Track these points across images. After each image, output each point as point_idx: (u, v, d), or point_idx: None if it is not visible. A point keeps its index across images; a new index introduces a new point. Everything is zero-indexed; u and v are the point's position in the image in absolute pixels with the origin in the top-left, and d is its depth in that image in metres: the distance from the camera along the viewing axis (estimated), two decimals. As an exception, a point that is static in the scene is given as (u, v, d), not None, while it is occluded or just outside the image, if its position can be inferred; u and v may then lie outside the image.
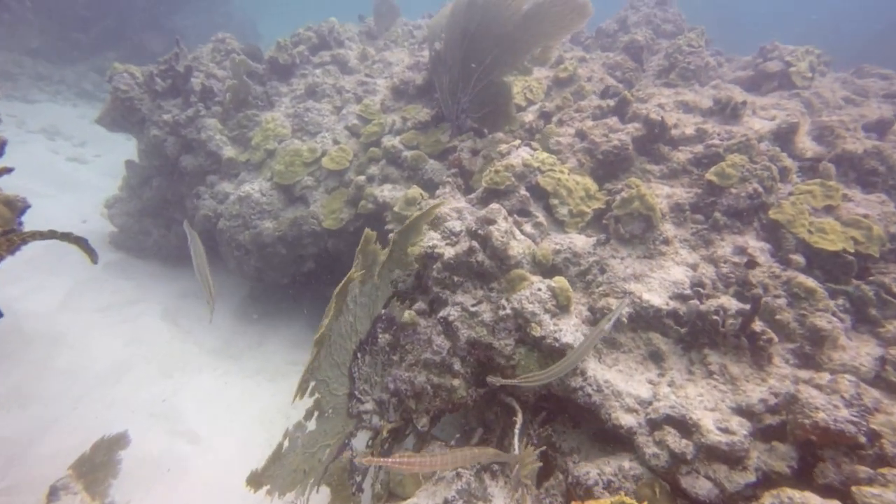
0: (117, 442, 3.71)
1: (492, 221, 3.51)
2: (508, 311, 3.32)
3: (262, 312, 6.41)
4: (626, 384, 3.12)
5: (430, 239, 3.81)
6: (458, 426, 3.81)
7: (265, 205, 5.72)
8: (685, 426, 2.85)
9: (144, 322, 5.64)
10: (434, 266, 3.68)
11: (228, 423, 4.41)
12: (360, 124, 5.99)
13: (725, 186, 3.61)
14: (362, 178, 5.56)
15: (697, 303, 3.22)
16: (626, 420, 2.95)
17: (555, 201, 3.95)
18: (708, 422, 2.79)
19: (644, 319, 3.31)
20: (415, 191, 4.57)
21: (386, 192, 5.26)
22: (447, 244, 3.81)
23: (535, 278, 3.47)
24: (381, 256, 3.50)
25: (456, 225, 3.91)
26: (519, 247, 3.54)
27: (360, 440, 3.30)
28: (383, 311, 3.75)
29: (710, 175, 3.69)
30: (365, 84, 6.36)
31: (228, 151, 5.98)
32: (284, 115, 6.15)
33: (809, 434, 2.40)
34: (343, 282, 2.85)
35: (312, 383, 2.83)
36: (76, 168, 9.78)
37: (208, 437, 4.16)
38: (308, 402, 2.89)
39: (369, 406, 3.39)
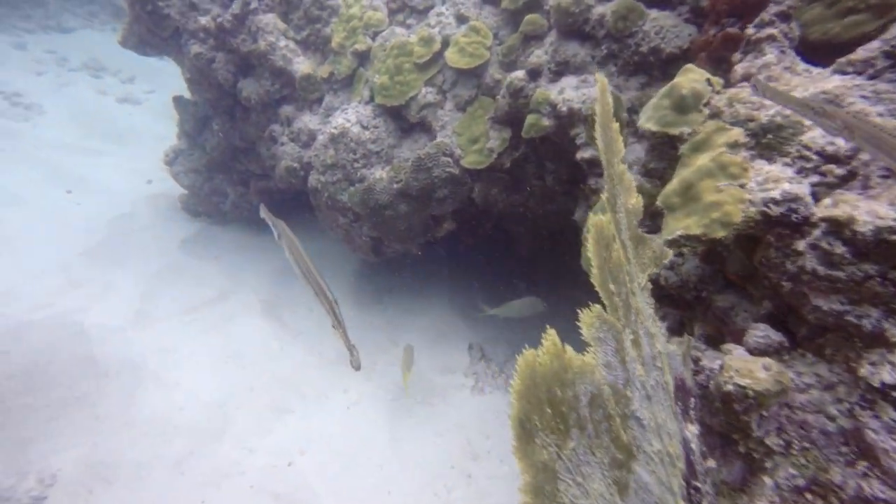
0: None
1: None
2: None
3: (386, 290, 4.85)
4: None
5: (773, 183, 1.72)
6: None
7: (370, 143, 3.83)
8: None
9: (242, 326, 4.33)
10: (797, 247, 1.63)
11: (384, 499, 3.01)
12: (500, -22, 3.64)
13: None
14: (519, 74, 3.36)
15: None
16: None
17: None
18: None
19: None
20: (695, 75, 2.29)
21: (570, 92, 3.07)
22: (816, 185, 1.71)
23: None
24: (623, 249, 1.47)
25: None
26: None
27: None
28: (679, 371, 1.80)
29: None
30: None
31: (302, 65, 4.02)
32: (374, -12, 3.95)
33: None
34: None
35: None
36: (129, 112, 8.62)
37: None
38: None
39: None
